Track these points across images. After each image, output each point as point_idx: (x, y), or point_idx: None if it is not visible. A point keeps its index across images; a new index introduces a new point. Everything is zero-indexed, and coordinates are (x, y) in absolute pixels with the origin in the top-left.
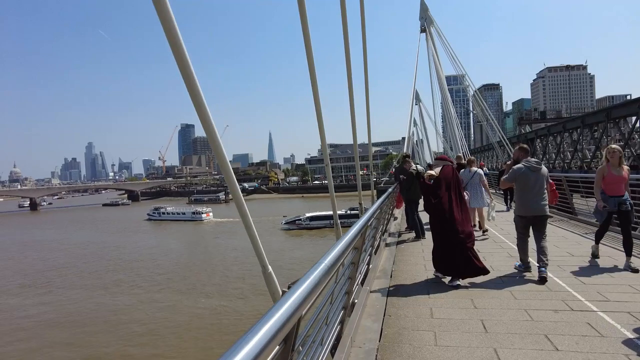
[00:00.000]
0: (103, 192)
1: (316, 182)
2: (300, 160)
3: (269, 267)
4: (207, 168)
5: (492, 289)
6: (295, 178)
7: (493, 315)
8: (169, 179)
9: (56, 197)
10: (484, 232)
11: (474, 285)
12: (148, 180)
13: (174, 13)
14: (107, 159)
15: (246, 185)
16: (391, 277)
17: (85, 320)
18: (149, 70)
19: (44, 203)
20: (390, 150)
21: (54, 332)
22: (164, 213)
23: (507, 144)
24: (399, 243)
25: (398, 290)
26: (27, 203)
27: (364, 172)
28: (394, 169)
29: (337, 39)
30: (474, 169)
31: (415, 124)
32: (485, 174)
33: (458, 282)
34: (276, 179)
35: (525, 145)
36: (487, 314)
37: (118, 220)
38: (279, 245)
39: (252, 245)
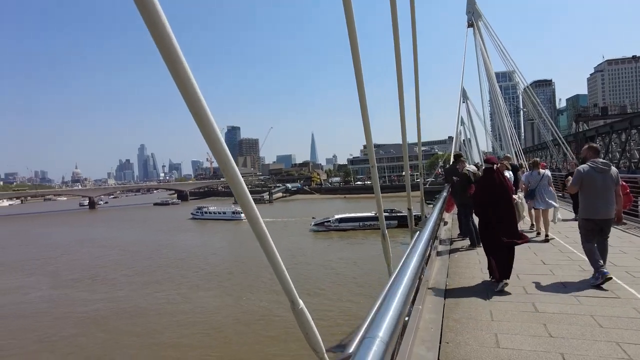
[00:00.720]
0: (154, 191)
1: (358, 182)
2: (342, 160)
3: (300, 302)
4: (252, 169)
5: (569, 312)
6: (337, 179)
7: (575, 348)
8: (216, 179)
9: (112, 196)
10: (546, 238)
11: (544, 303)
12: (196, 181)
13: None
14: (158, 160)
15: (289, 185)
16: (445, 292)
17: (138, 313)
18: (197, 76)
19: (101, 202)
20: (436, 150)
21: (117, 322)
22: (206, 212)
23: (562, 142)
24: (451, 252)
25: (455, 310)
26: (86, 202)
27: (409, 171)
28: (440, 169)
29: (380, 36)
30: (542, 170)
31: (462, 122)
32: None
33: (502, 285)
34: (318, 180)
35: (595, 145)
36: (568, 345)
37: (166, 218)
38: (305, 247)
39: (276, 275)
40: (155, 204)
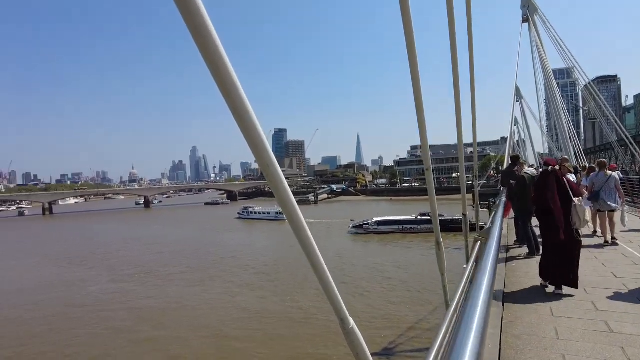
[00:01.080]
0: (205, 191)
1: (405, 184)
2: (388, 162)
3: (351, 320)
4: (297, 170)
5: None
6: (383, 180)
7: None
8: (263, 180)
9: (165, 195)
10: (613, 241)
11: (619, 322)
12: (245, 182)
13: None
14: (209, 162)
15: (334, 187)
16: (503, 305)
17: (186, 309)
18: (245, 82)
19: (156, 201)
20: (488, 151)
21: (170, 316)
22: (251, 212)
23: (630, 143)
24: (508, 260)
25: (514, 325)
26: (142, 201)
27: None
28: (492, 171)
29: (433, 33)
30: (610, 172)
31: (516, 122)
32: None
33: (560, 291)
34: (364, 181)
35: None
36: None
37: (215, 217)
38: (341, 249)
39: (322, 288)
40: (206, 204)
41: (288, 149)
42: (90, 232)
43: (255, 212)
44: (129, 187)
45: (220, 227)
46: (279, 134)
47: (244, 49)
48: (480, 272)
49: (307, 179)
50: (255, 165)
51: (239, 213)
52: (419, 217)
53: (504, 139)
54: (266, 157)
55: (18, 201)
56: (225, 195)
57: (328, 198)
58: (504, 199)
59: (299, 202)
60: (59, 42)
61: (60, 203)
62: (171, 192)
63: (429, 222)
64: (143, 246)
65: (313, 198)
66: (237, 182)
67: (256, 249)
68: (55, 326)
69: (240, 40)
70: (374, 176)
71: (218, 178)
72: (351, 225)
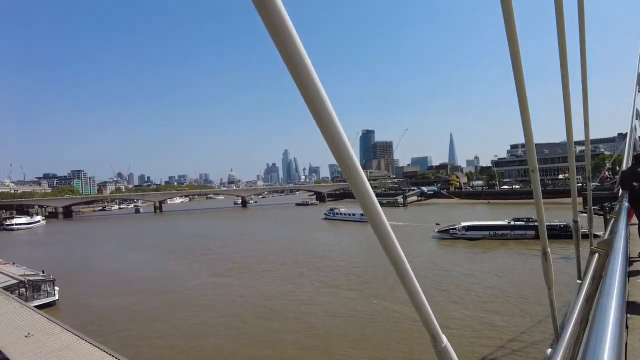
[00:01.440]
0: (296, 192)
1: (505, 186)
2: (485, 162)
3: (444, 338)
4: (385, 171)
5: None
6: (480, 182)
7: None
8: None
9: (260, 196)
10: None
11: None
12: (333, 183)
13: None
14: (300, 164)
15: (424, 189)
16: (627, 329)
17: (274, 306)
18: (334, 85)
19: (251, 201)
20: (602, 150)
21: (263, 310)
22: (337, 213)
23: None
24: (630, 275)
25: None
26: (239, 201)
27: (566, 175)
28: (606, 172)
29: (536, 17)
30: None
31: (638, 115)
32: None
33: None
34: (457, 183)
35: None
36: None
37: (304, 217)
38: (429, 256)
39: (411, 299)
40: (297, 204)
41: (376, 150)
42: (193, 229)
43: (340, 213)
44: (227, 188)
45: (309, 227)
46: (366, 135)
47: (331, 47)
48: (607, 295)
49: (396, 180)
50: None
51: (325, 214)
52: (512, 223)
53: (621, 136)
54: (347, 159)
55: (135, 200)
56: (314, 197)
57: (418, 200)
58: (625, 203)
59: (386, 205)
60: (169, 56)
61: (169, 202)
62: (265, 192)
63: (524, 227)
64: (240, 243)
65: (402, 200)
66: (325, 184)
67: (344, 249)
68: (156, 314)
69: (327, 39)
70: (469, 177)
71: (308, 180)
72: (436, 230)
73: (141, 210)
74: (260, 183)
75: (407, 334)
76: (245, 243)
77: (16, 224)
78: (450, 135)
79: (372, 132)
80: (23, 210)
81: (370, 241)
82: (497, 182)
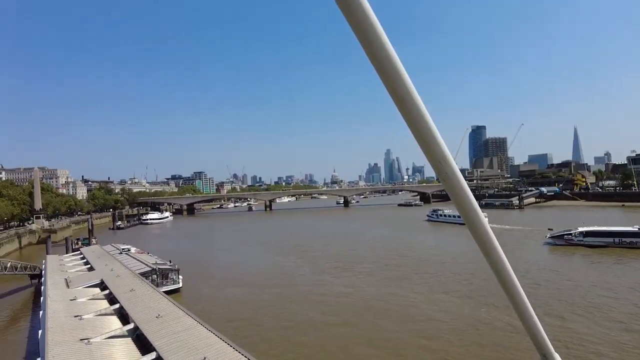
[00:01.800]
0: (399, 193)
1: None
2: (618, 159)
3: (556, 356)
4: (498, 171)
5: None
6: (611, 182)
7: None
8: None
9: (362, 196)
10: None
11: None
12: (438, 183)
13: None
14: (403, 164)
15: (544, 189)
16: None
17: (378, 307)
18: (430, 79)
19: (353, 201)
20: None
21: (363, 310)
22: (440, 215)
23: None
24: None
25: None
26: (342, 200)
27: None
28: None
29: None
30: None
31: None
32: None
33: None
34: (583, 183)
35: None
36: None
37: (405, 218)
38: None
39: (518, 314)
40: (399, 205)
41: (487, 148)
42: (298, 227)
43: (444, 215)
44: (330, 188)
45: (411, 228)
46: (476, 132)
47: (442, 37)
48: None
49: (510, 180)
50: None
51: (428, 215)
52: None
53: None
54: (438, 152)
55: (248, 198)
56: (418, 197)
57: (536, 202)
58: None
59: (499, 207)
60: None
61: (277, 201)
62: (367, 192)
63: None
64: (342, 242)
65: (517, 202)
66: (430, 184)
67: (450, 253)
68: (266, 306)
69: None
70: (598, 177)
71: (411, 180)
72: (548, 235)
73: (253, 208)
74: (362, 183)
75: (516, 350)
76: (347, 242)
77: (150, 219)
78: (575, 129)
79: (483, 128)
80: (155, 207)
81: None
82: (635, 183)
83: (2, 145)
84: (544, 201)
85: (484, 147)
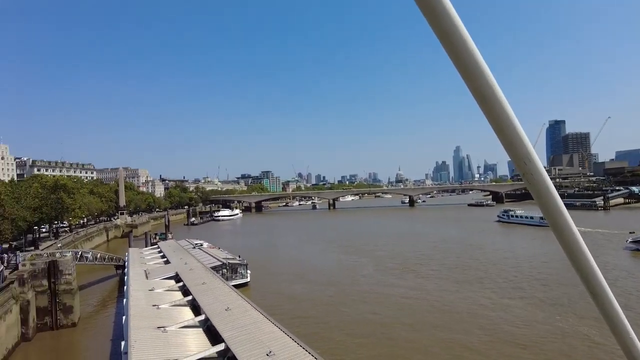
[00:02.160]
0: (470, 192)
1: None
2: None
3: None
4: (580, 168)
5: None
6: None
7: None
8: None
9: (429, 195)
10: None
11: None
12: (513, 182)
13: None
14: (473, 161)
15: (635, 189)
16: None
17: (445, 311)
18: (509, 71)
19: (420, 200)
20: None
21: (424, 312)
22: (512, 216)
23: None
24: None
25: None
26: (407, 200)
27: None
28: None
29: None
30: None
31: None
32: None
33: None
34: None
35: None
36: None
37: (473, 219)
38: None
39: (608, 323)
40: (469, 205)
41: (567, 144)
42: (361, 225)
43: (516, 216)
44: (395, 187)
45: (480, 230)
46: (554, 127)
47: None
48: None
49: (594, 179)
50: None
51: (498, 216)
52: None
53: None
54: (521, 149)
55: (312, 197)
56: (490, 197)
57: (625, 203)
58: None
59: (580, 207)
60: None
61: (341, 199)
62: (434, 192)
63: None
64: (406, 242)
65: (601, 202)
66: (503, 183)
67: (523, 257)
68: (329, 304)
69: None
70: None
71: (482, 178)
72: (629, 240)
73: (317, 206)
74: (428, 182)
75: None
76: (412, 243)
77: (221, 216)
78: None
79: (562, 122)
80: (226, 205)
81: (554, 249)
82: None
83: (93, 147)
84: (635, 202)
85: (562, 143)
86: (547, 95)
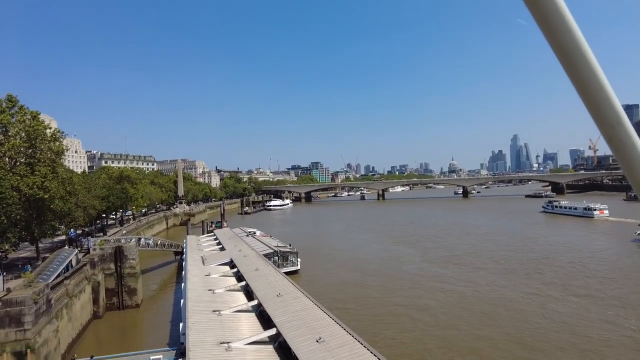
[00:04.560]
0: (528, 183)
1: None
2: None
3: None
4: None
5: None
6: None
7: None
8: (601, 170)
9: (483, 186)
10: None
11: None
12: (575, 172)
13: None
14: (532, 150)
15: None
16: None
17: (493, 305)
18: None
19: (474, 191)
20: None
21: (475, 304)
22: (556, 206)
23: None
24: None
25: None
26: (460, 190)
27: None
28: None
29: None
30: None
31: None
32: None
33: None
34: None
35: None
36: None
37: (519, 211)
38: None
39: None
40: (527, 196)
41: (638, 130)
42: (410, 216)
43: (560, 207)
44: (447, 177)
45: (527, 221)
46: (626, 111)
47: None
48: None
49: None
50: (589, 153)
51: (543, 207)
52: None
53: None
54: (612, 113)
55: (361, 187)
56: (550, 188)
57: None
58: None
59: None
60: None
61: (390, 190)
62: (489, 182)
63: None
64: (456, 234)
65: None
66: (564, 173)
67: (573, 249)
68: (376, 293)
69: None
70: None
71: (541, 168)
72: (638, 232)
73: (366, 197)
74: (483, 172)
75: None
76: (462, 234)
77: (273, 205)
78: None
79: (636, 106)
80: (277, 195)
81: (603, 239)
82: None
83: (154, 140)
84: None
85: (636, 128)
86: (622, 77)
